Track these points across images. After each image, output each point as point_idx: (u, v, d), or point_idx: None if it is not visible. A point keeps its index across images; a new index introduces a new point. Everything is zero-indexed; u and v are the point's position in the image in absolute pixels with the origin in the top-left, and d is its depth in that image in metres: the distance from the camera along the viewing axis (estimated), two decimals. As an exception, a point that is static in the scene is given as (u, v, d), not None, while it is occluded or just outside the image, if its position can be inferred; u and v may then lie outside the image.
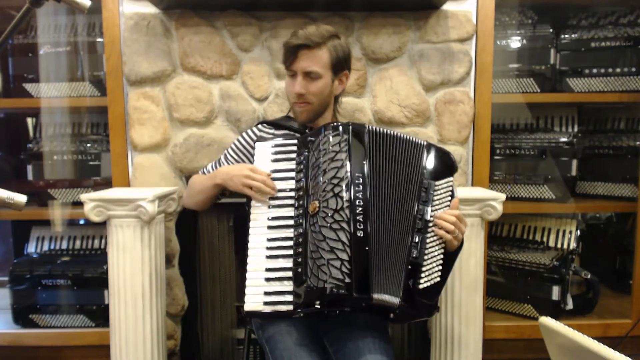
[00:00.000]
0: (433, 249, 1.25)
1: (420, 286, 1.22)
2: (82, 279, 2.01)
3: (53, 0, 0.93)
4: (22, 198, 0.91)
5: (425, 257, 1.23)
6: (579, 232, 2.18)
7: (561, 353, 0.80)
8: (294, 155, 1.33)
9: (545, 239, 2.19)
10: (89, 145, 2.09)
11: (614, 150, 2.20)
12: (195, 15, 1.88)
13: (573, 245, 2.14)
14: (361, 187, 1.21)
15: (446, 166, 1.33)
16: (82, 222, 2.23)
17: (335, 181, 1.21)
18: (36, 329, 2.02)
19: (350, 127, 1.28)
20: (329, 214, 1.19)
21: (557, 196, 2.10)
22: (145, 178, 1.92)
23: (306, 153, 1.31)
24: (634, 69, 2.08)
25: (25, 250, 2.16)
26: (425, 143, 1.33)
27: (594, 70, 2.10)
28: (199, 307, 2.03)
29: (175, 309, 1.98)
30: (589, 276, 2.10)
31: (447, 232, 1.25)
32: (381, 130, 1.30)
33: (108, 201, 1.62)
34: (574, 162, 2.10)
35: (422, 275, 1.22)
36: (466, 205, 1.67)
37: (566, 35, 2.13)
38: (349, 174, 1.22)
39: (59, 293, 2.02)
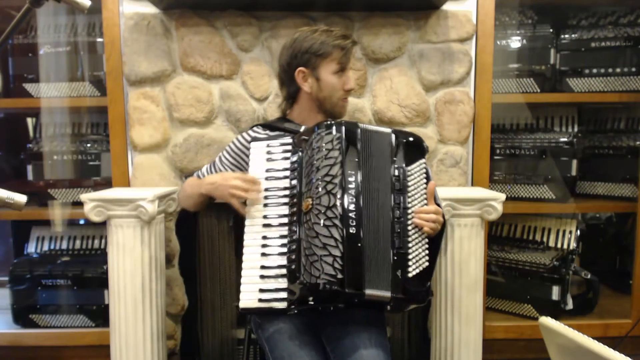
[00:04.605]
0: (416, 236, 1.26)
1: (410, 275, 1.22)
2: (82, 279, 2.01)
3: (53, 0, 0.93)
4: (22, 198, 0.91)
5: (410, 245, 1.24)
6: (579, 232, 2.17)
7: (561, 353, 0.80)
8: (288, 155, 1.33)
9: (545, 239, 2.19)
10: (89, 145, 2.09)
11: (614, 150, 2.20)
12: (195, 15, 1.88)
13: (573, 245, 2.14)
14: (353, 185, 1.22)
15: (416, 149, 1.34)
16: (82, 222, 2.23)
17: (328, 179, 1.22)
18: (36, 329, 2.02)
19: (344, 125, 1.28)
20: (322, 211, 1.19)
21: (557, 196, 2.10)
22: (145, 178, 1.92)
23: (300, 152, 1.31)
24: (634, 69, 2.08)
25: (25, 250, 2.16)
26: (391, 130, 1.34)
27: (594, 70, 2.09)
28: (199, 307, 2.03)
29: (175, 309, 1.98)
30: (589, 276, 2.10)
31: (427, 220, 1.26)
32: (371, 127, 1.31)
33: (108, 201, 1.62)
34: (574, 162, 2.10)
35: (410, 263, 1.23)
36: (466, 205, 1.67)
37: (566, 35, 2.13)
38: (341, 172, 1.22)
39: (59, 293, 2.02)
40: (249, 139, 1.48)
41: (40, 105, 2.07)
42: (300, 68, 1.43)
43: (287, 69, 1.46)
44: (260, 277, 1.24)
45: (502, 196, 1.66)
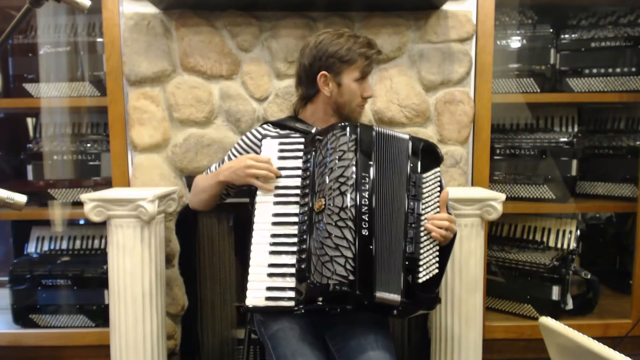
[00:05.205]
0: (427, 242, 1.27)
1: (420, 280, 1.23)
2: (82, 279, 2.01)
3: (53, 0, 0.93)
4: (22, 198, 0.91)
5: (421, 251, 1.25)
6: (579, 232, 2.17)
7: (561, 353, 0.80)
8: (300, 154, 1.34)
9: (545, 239, 2.19)
10: (89, 145, 2.09)
11: (614, 150, 2.20)
12: (195, 15, 1.88)
13: (573, 245, 2.14)
14: (367, 187, 1.23)
15: (432, 157, 1.35)
16: (82, 222, 2.23)
17: (342, 180, 1.22)
18: (36, 329, 2.02)
19: (359, 127, 1.29)
20: (335, 212, 1.20)
21: (557, 196, 2.10)
22: (145, 178, 1.92)
23: (313, 151, 1.31)
24: (634, 69, 2.08)
25: (25, 250, 2.16)
26: (408, 136, 1.35)
27: (594, 70, 2.09)
28: (199, 307, 2.03)
29: (175, 309, 1.98)
30: (589, 276, 2.10)
31: (440, 227, 1.26)
32: (388, 132, 1.32)
33: (108, 201, 1.62)
34: (574, 162, 2.10)
35: (420, 269, 1.24)
36: (466, 205, 1.66)
37: (566, 35, 2.13)
38: (355, 174, 1.23)
39: (59, 293, 2.02)
40: (259, 136, 1.47)
41: (40, 105, 2.07)
42: (323, 72, 1.43)
43: (309, 70, 1.46)
44: (268, 275, 1.24)
45: (502, 196, 1.66)
